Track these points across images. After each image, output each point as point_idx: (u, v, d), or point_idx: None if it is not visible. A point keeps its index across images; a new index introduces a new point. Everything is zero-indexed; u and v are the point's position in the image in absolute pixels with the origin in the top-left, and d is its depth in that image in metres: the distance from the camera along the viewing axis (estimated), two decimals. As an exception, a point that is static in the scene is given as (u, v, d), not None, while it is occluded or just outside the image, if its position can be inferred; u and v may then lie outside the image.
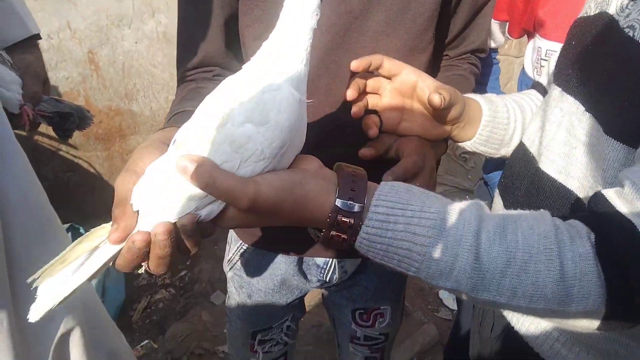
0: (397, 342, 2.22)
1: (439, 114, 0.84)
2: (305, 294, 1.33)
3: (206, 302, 2.54)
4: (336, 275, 1.20)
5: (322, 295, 1.40)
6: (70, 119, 1.48)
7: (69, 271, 0.61)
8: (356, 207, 0.59)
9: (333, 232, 0.60)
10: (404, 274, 0.61)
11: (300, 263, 1.19)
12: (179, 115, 0.82)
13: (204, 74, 0.98)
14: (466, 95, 0.89)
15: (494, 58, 1.75)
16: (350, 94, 0.79)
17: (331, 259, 1.18)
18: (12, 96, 1.21)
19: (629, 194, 0.56)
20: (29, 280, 0.61)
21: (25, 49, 1.34)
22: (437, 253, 0.57)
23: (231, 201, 0.57)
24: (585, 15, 0.75)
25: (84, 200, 2.95)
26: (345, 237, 0.60)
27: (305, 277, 1.21)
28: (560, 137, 0.73)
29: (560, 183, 0.72)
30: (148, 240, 0.57)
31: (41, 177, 1.18)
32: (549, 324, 0.78)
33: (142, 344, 2.30)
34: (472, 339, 1.04)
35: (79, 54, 2.65)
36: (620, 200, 0.57)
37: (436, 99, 0.77)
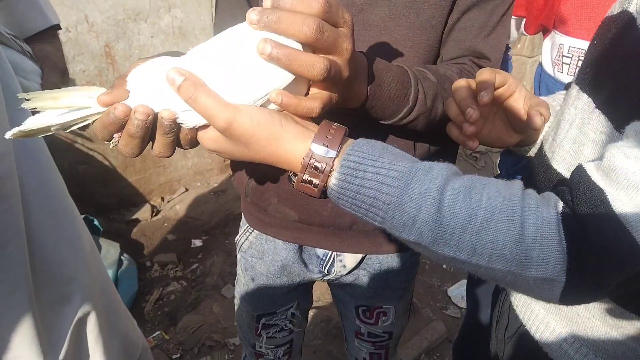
0: (404, 339, 2.23)
1: (519, 124, 0.85)
2: (311, 284, 1.34)
3: (217, 295, 2.57)
4: (334, 269, 1.21)
5: (330, 288, 1.42)
6: None
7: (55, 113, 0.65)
8: (330, 153, 0.61)
9: (306, 177, 0.63)
10: (370, 224, 0.63)
11: (300, 251, 1.21)
12: None
13: None
14: None
15: (506, 54, 1.74)
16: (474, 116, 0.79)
17: (330, 252, 1.19)
18: (32, 86, 1.22)
19: (607, 165, 0.56)
20: (21, 95, 0.65)
21: (44, 40, 1.34)
22: (401, 204, 0.58)
23: (208, 118, 0.60)
24: (610, 14, 0.75)
25: (98, 192, 2.99)
26: (317, 181, 0.63)
27: (306, 265, 1.23)
28: (571, 134, 0.74)
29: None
30: (127, 113, 0.60)
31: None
32: (559, 324, 0.79)
33: (154, 335, 2.33)
34: (491, 339, 1.05)
35: (95, 47, 2.69)
36: (598, 172, 0.57)
37: (538, 121, 0.78)
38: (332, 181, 0.62)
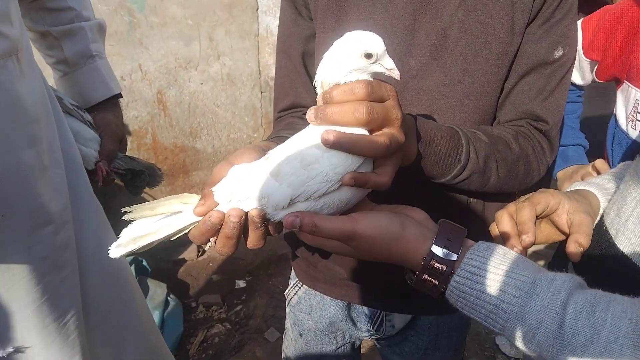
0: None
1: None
2: (358, 343, 1.33)
3: (260, 338, 2.57)
4: (383, 328, 1.20)
5: (378, 348, 1.40)
6: (141, 177, 1.56)
7: (151, 220, 0.71)
8: (451, 256, 0.63)
9: (425, 276, 0.65)
10: (489, 330, 0.63)
11: (348, 309, 1.20)
12: (277, 138, 0.90)
13: (294, 113, 1.06)
14: (580, 187, 0.90)
15: (579, 96, 1.69)
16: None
17: (379, 311, 1.18)
18: (89, 153, 1.30)
19: None
20: (124, 209, 0.70)
21: (106, 108, 1.42)
22: (522, 315, 0.58)
23: (334, 239, 0.66)
24: None
25: (147, 232, 3.07)
26: (437, 282, 0.64)
27: (354, 323, 1.22)
28: (637, 214, 0.72)
29: (634, 264, 0.71)
30: (221, 219, 0.66)
31: (108, 211, 1.26)
32: None
33: (198, 378, 2.34)
34: None
35: (148, 94, 2.81)
36: None
37: (573, 253, 0.77)
38: (452, 283, 0.64)
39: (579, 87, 1.67)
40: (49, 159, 0.99)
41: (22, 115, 0.93)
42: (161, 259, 3.11)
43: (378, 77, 0.68)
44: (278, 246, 3.18)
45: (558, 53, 0.91)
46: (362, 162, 0.66)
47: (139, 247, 0.70)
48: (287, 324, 1.35)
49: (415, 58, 0.94)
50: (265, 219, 0.67)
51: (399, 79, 0.69)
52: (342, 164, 0.65)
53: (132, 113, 2.81)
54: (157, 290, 2.56)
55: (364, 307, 1.19)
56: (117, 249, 0.70)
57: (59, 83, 1.40)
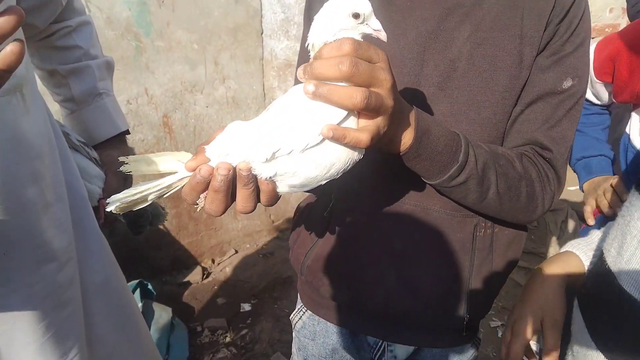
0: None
1: None
2: None
3: (266, 363, 2.55)
4: (385, 358, 1.18)
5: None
6: (144, 216, 1.56)
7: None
8: None
9: None
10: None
11: (352, 336, 1.19)
12: None
13: None
14: (567, 249, 0.94)
15: (603, 109, 1.68)
16: None
17: (381, 341, 1.17)
18: (93, 190, 1.31)
19: None
20: (121, 158, 0.73)
21: (112, 145, 1.43)
22: None
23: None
24: None
25: (153, 255, 3.07)
26: None
27: (357, 351, 1.21)
28: None
29: None
30: (210, 172, 0.67)
31: (112, 232, 1.26)
32: None
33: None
34: None
35: (154, 117, 2.83)
36: None
37: None
38: None
39: (601, 106, 1.67)
40: (53, 195, 0.99)
41: (25, 151, 0.93)
42: (166, 282, 3.10)
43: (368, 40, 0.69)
44: (283, 269, 3.17)
45: (567, 84, 0.91)
46: (345, 117, 0.66)
47: (135, 198, 0.73)
48: (293, 349, 1.35)
49: (423, 88, 0.95)
50: (253, 175, 0.68)
51: (385, 40, 0.70)
52: (323, 115, 0.66)
53: (138, 136, 2.82)
54: (162, 314, 2.55)
55: (367, 337, 1.18)
56: (114, 203, 0.72)
57: (67, 120, 1.41)
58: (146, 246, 3.03)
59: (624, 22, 3.16)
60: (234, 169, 0.68)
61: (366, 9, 0.67)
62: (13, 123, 0.90)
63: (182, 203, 3.07)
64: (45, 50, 1.31)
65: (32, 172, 0.95)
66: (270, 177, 0.69)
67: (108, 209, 0.72)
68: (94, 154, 1.37)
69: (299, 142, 0.66)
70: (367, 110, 0.67)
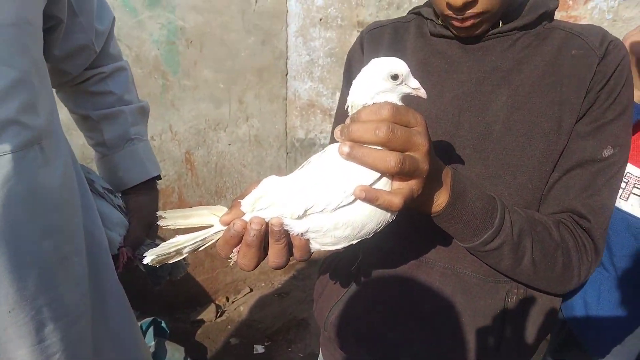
0: None
1: None
2: None
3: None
4: None
5: None
6: (163, 267, 1.52)
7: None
8: None
9: None
10: None
11: None
12: None
13: None
14: None
15: None
16: None
17: None
18: (114, 237, 1.29)
19: None
20: (159, 213, 0.73)
21: (141, 191, 1.42)
22: None
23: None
24: None
25: (167, 291, 3.04)
26: None
27: None
28: None
29: None
30: (244, 227, 0.67)
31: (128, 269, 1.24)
32: None
33: None
34: None
35: (177, 154, 2.85)
36: None
37: None
38: None
39: None
40: (70, 248, 0.98)
41: (41, 205, 0.92)
42: (179, 319, 3.07)
43: (407, 103, 0.70)
44: (298, 310, 3.12)
45: (607, 152, 0.88)
46: (378, 178, 0.66)
47: (171, 251, 0.73)
48: None
49: (458, 149, 0.94)
50: (285, 231, 0.68)
51: (425, 97, 0.69)
52: (356, 175, 0.66)
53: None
54: (175, 353, 2.51)
55: None
56: (150, 256, 0.73)
57: (99, 164, 1.42)
58: (163, 284, 3.00)
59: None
60: (267, 224, 0.68)
61: (404, 69, 0.68)
62: (29, 177, 0.90)
63: (199, 239, 3.06)
64: (79, 96, 1.32)
65: (48, 225, 0.94)
66: (302, 234, 0.69)
67: (145, 262, 0.72)
68: (119, 201, 1.36)
69: (332, 200, 0.66)
70: (400, 174, 0.66)
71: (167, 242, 0.74)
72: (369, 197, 0.65)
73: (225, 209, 0.74)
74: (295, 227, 0.68)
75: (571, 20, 3.05)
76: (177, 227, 0.75)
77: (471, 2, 0.84)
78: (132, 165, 1.38)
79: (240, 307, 3.19)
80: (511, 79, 0.91)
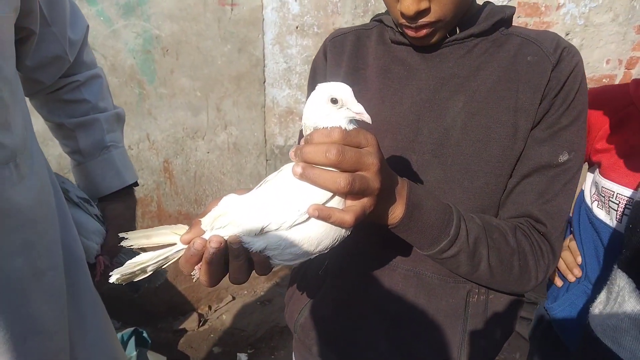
0: None
1: None
2: None
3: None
4: None
5: None
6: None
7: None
8: None
9: None
10: None
11: None
12: None
13: None
14: None
15: None
16: None
17: None
18: (91, 246, 1.28)
19: None
20: (121, 234, 0.74)
21: (117, 198, 1.41)
22: None
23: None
24: None
25: (149, 301, 3.02)
26: None
27: None
28: None
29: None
30: (204, 245, 0.69)
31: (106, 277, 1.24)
32: None
33: None
34: None
35: (155, 163, 2.84)
36: None
37: None
38: None
39: None
40: (46, 263, 0.97)
41: (14, 221, 0.92)
42: (161, 328, 3.04)
43: (359, 124, 0.72)
44: (280, 318, 3.11)
45: (563, 157, 0.90)
46: (331, 197, 0.70)
47: (134, 270, 0.75)
48: None
49: (417, 154, 0.96)
50: (243, 249, 0.70)
51: (370, 122, 0.71)
52: (309, 195, 0.69)
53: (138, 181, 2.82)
54: (157, 364, 2.49)
55: None
56: (115, 275, 0.75)
57: (74, 171, 1.41)
58: (143, 292, 2.98)
59: (620, 72, 3.23)
60: (226, 241, 0.70)
61: (343, 94, 0.70)
62: (3, 194, 0.89)
63: (180, 248, 3.04)
64: (53, 104, 1.31)
65: (22, 241, 0.93)
66: (260, 251, 0.71)
67: (110, 281, 0.74)
68: (95, 210, 1.35)
69: (288, 219, 0.69)
70: (351, 194, 0.70)
71: (130, 261, 0.76)
72: (322, 215, 0.68)
73: (186, 228, 0.76)
74: (254, 245, 0.71)
75: (543, 26, 3.11)
76: (140, 246, 0.76)
77: (423, 10, 0.85)
78: (107, 173, 1.37)
79: (222, 315, 3.18)
80: (468, 85, 0.93)
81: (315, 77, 1.13)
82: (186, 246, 0.72)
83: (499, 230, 0.91)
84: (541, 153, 0.91)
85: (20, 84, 1.02)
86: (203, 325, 3.12)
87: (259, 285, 3.45)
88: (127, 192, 1.44)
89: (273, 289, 3.41)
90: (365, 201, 0.71)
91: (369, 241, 1.02)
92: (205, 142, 2.92)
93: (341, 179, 0.66)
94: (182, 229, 0.76)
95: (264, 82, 2.94)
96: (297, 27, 2.88)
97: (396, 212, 0.80)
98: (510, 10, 0.96)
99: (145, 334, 2.55)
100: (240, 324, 3.09)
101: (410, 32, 0.91)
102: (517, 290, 0.97)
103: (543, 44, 0.92)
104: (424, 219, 0.82)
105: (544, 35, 0.94)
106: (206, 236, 0.72)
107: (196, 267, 0.72)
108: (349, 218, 0.69)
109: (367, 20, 3.01)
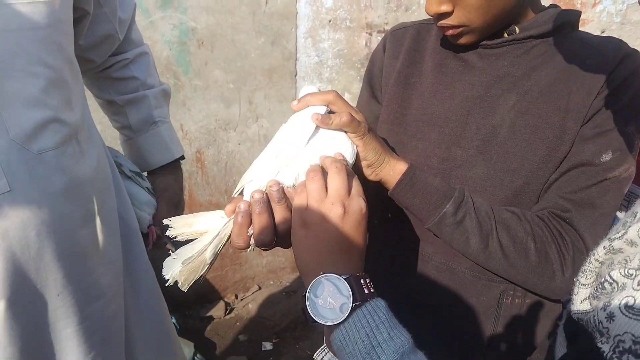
0: None
1: None
2: None
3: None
4: None
5: None
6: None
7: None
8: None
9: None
10: None
11: None
12: None
13: None
14: None
15: None
16: None
17: None
18: (143, 216, 1.34)
19: None
20: (165, 221, 0.78)
21: (167, 172, 1.47)
22: None
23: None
24: None
25: (178, 289, 3.08)
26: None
27: None
28: None
29: None
30: (249, 204, 0.74)
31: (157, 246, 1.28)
32: None
33: None
34: None
35: (188, 153, 2.89)
36: None
37: None
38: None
39: None
40: (105, 234, 1.03)
41: (78, 196, 0.97)
42: (189, 315, 3.11)
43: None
44: (306, 308, 3.15)
45: (606, 157, 0.86)
46: (315, 130, 0.79)
47: (193, 263, 0.76)
48: None
49: (462, 149, 0.96)
50: (282, 190, 0.74)
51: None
52: (308, 118, 0.79)
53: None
54: (185, 349, 2.55)
55: None
56: (180, 275, 0.77)
57: (124, 146, 1.46)
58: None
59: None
60: (265, 193, 0.75)
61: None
62: (68, 171, 0.94)
63: (209, 237, 3.10)
64: (103, 82, 1.36)
65: (84, 214, 0.98)
66: (294, 184, 0.76)
67: (171, 281, 0.77)
68: (146, 183, 1.40)
69: (299, 140, 0.77)
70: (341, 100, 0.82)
71: (184, 248, 0.77)
72: (323, 120, 0.78)
73: (222, 212, 0.79)
74: (285, 179, 0.75)
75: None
76: (185, 237, 0.78)
77: (444, 13, 0.87)
78: (156, 148, 1.43)
79: (248, 304, 3.23)
80: (521, 84, 0.93)
81: (373, 69, 1.16)
82: (232, 218, 0.75)
83: (508, 212, 0.91)
84: (583, 150, 0.88)
85: (78, 65, 1.07)
86: (229, 313, 3.18)
87: (284, 276, 3.49)
88: (175, 165, 1.50)
89: (299, 280, 3.44)
90: (360, 117, 0.82)
91: (404, 232, 1.04)
92: (236, 134, 2.96)
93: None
94: (221, 212, 0.79)
95: (295, 76, 2.97)
96: (329, 21, 2.90)
97: (398, 167, 0.87)
98: (575, 15, 0.95)
99: (174, 320, 2.62)
100: (266, 313, 3.14)
101: (441, 30, 0.94)
102: (543, 287, 0.91)
103: (604, 49, 0.90)
104: (428, 180, 0.88)
105: (606, 41, 0.92)
106: (246, 198, 0.76)
107: (249, 233, 0.75)
108: (345, 117, 0.78)
109: (400, 14, 3.01)
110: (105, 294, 1.01)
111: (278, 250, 3.34)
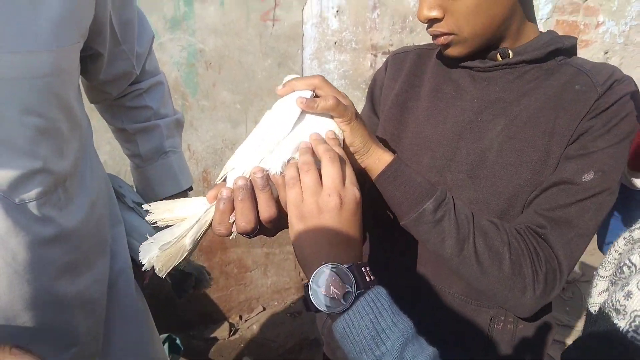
0: None
1: None
2: None
3: None
4: None
5: None
6: (188, 280, 1.55)
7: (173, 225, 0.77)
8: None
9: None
10: None
11: None
12: None
13: None
14: None
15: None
16: None
17: None
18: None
19: None
20: (145, 207, 0.75)
21: None
22: None
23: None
24: None
25: (182, 308, 3.07)
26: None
27: None
28: None
29: None
30: (231, 190, 0.73)
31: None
32: None
33: None
34: None
35: (194, 172, 2.91)
36: None
37: None
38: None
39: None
40: (88, 279, 1.01)
41: (61, 245, 0.95)
42: (193, 336, 3.09)
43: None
44: (310, 330, 3.13)
45: (587, 177, 0.85)
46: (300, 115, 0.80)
47: (171, 248, 0.74)
48: None
49: (452, 173, 0.98)
50: (267, 179, 0.74)
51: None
52: (293, 104, 0.79)
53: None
54: (189, 371, 2.53)
55: None
56: (156, 261, 0.75)
57: (133, 173, 1.46)
58: (175, 299, 3.03)
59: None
60: (249, 180, 0.74)
61: None
62: (50, 220, 0.92)
63: (214, 257, 3.10)
64: (117, 110, 1.36)
65: (66, 263, 0.96)
66: (281, 171, 0.75)
67: (145, 268, 0.74)
68: None
69: (284, 125, 0.78)
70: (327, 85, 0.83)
71: (162, 233, 0.76)
72: (309, 104, 0.78)
73: (204, 198, 0.78)
74: (272, 165, 0.75)
75: (582, 45, 3.09)
76: (165, 222, 0.76)
77: (434, 19, 0.90)
78: (165, 179, 1.42)
79: (253, 325, 3.21)
80: (510, 110, 0.94)
81: (374, 87, 1.18)
82: (214, 204, 0.75)
83: (488, 221, 0.90)
84: (565, 168, 0.88)
85: (83, 105, 1.06)
86: (234, 334, 3.16)
87: (289, 297, 3.47)
88: (182, 196, 1.48)
89: (303, 301, 3.43)
90: (347, 102, 0.83)
91: (397, 249, 1.06)
92: (242, 154, 2.98)
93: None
94: (203, 199, 0.77)
95: (302, 97, 2.99)
96: (335, 43, 2.94)
97: (385, 157, 0.88)
98: (570, 41, 0.96)
99: (178, 341, 2.60)
100: (271, 335, 3.12)
101: (432, 39, 0.96)
102: (513, 302, 0.88)
103: (596, 75, 0.90)
104: (412, 175, 0.88)
105: (599, 67, 0.92)
106: (229, 185, 0.76)
107: (230, 220, 0.74)
108: (331, 100, 0.79)
109: (405, 36, 3.04)
110: (79, 341, 1.00)
111: (283, 270, 3.34)
